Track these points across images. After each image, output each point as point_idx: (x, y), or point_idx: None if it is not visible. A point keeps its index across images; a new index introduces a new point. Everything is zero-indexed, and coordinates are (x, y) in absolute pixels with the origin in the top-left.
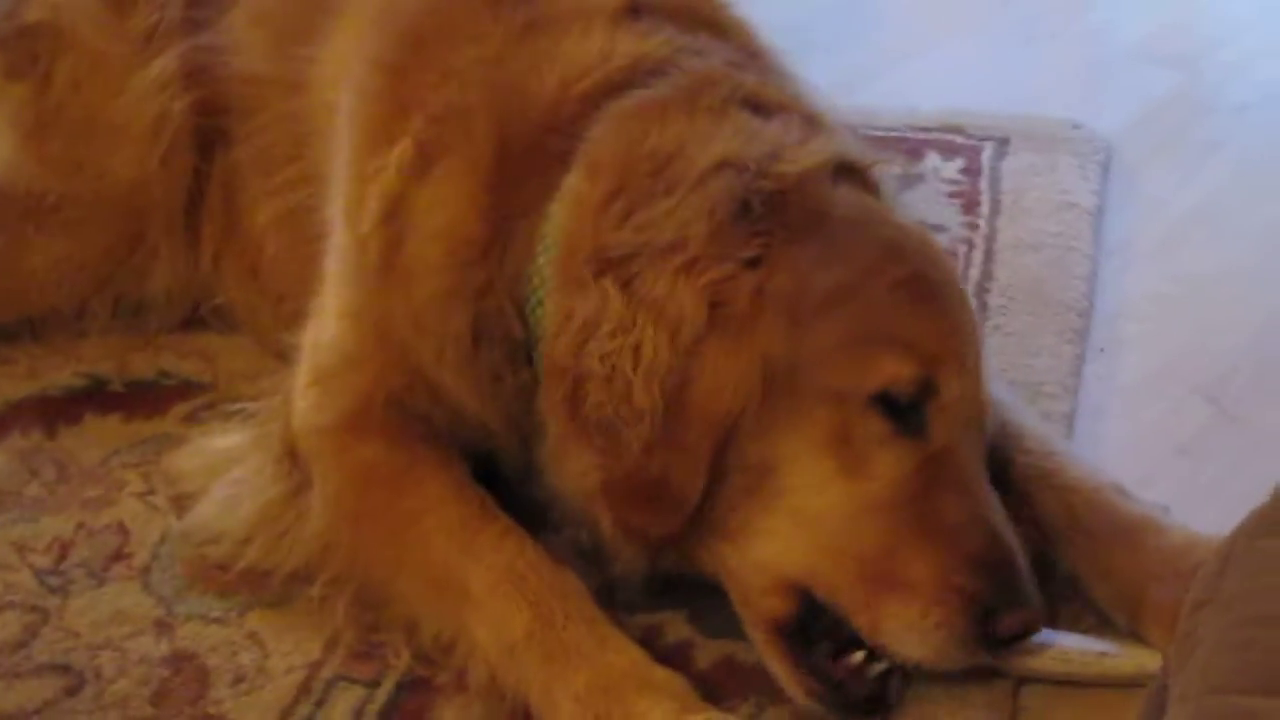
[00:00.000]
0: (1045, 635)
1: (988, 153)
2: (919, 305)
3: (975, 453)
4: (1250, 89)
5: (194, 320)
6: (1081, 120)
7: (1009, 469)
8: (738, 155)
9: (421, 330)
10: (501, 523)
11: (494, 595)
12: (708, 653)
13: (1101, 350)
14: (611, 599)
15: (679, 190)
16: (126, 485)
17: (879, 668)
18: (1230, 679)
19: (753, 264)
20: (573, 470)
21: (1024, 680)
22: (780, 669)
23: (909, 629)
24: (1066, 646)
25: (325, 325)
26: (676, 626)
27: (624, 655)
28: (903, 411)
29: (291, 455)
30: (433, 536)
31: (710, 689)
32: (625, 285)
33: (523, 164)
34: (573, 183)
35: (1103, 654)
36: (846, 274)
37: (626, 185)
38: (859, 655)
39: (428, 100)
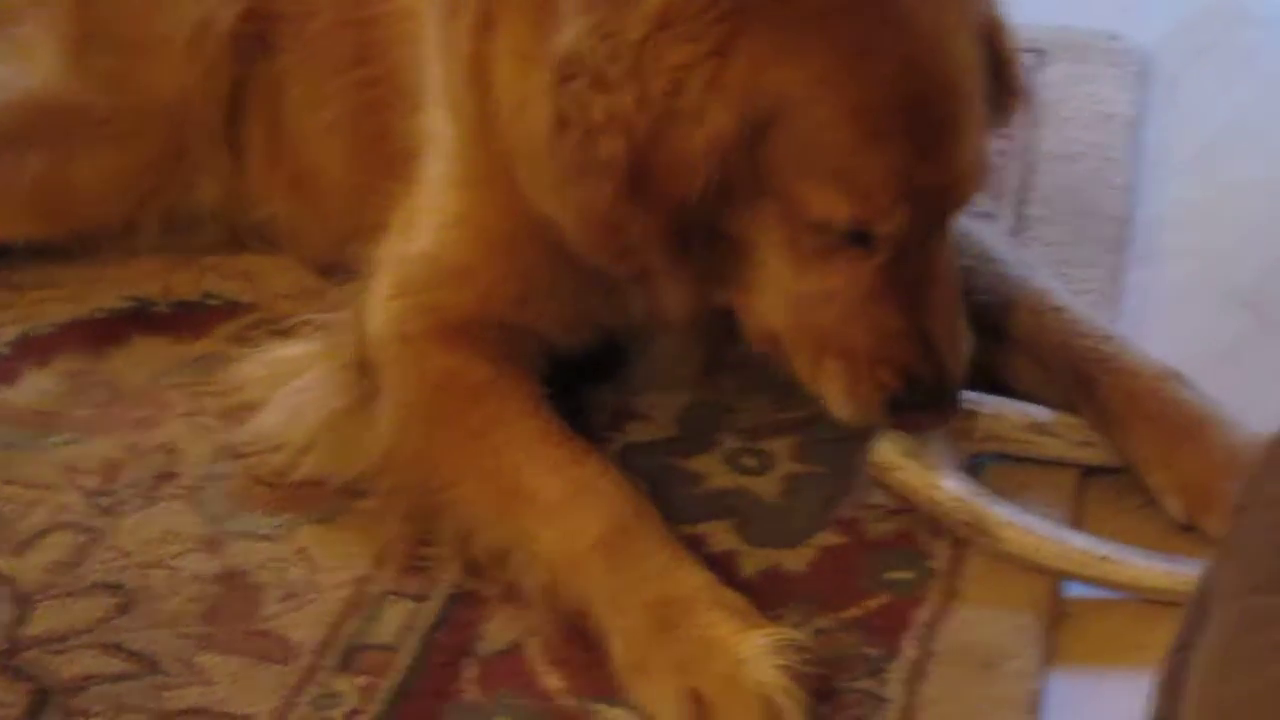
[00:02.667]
0: (1053, 530)
1: (1025, 64)
2: (877, 136)
3: (938, 252)
4: None
5: (236, 242)
6: (1119, 31)
7: (1066, 353)
8: None
9: (549, 155)
10: (582, 443)
11: (570, 504)
12: (753, 561)
13: (1141, 259)
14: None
15: None
16: (174, 406)
17: None
18: (1273, 579)
19: (710, 54)
20: None
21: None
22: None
23: (834, 393)
24: (1072, 544)
25: (418, 236)
26: (721, 536)
27: (697, 575)
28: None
29: (361, 364)
30: (507, 446)
31: (756, 596)
32: (599, 33)
33: None
34: None
35: (1106, 558)
36: (798, 79)
37: None
38: None
39: None
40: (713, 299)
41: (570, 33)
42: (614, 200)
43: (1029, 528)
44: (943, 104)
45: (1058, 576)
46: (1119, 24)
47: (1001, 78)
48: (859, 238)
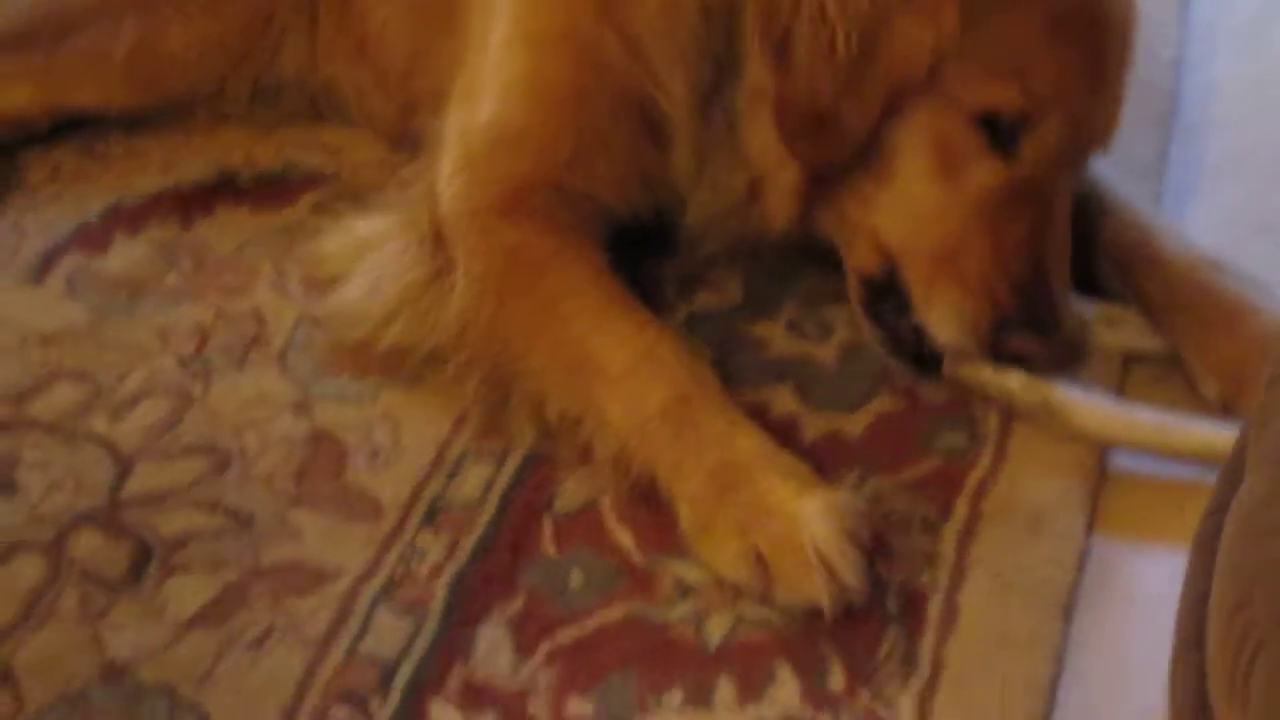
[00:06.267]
0: (1116, 405)
1: None
2: (1058, 44)
3: (1062, 195)
4: None
5: (316, 113)
6: None
7: (1107, 243)
8: None
9: (656, 35)
10: (644, 313)
11: (632, 374)
12: (814, 426)
13: (1187, 131)
14: (726, 374)
15: None
16: (260, 273)
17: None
18: None
19: None
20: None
21: (1103, 445)
22: (857, 310)
23: (945, 309)
24: (1138, 416)
25: (481, 105)
26: (783, 400)
27: (754, 439)
28: (1002, 133)
29: (436, 239)
30: (574, 317)
31: (816, 460)
32: None
33: None
34: None
35: (1170, 427)
36: None
37: None
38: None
39: None
40: (818, 216)
41: None
42: (836, 93)
43: (1097, 405)
44: (1114, 47)
45: (1129, 447)
46: None
47: None
48: (1008, 142)
